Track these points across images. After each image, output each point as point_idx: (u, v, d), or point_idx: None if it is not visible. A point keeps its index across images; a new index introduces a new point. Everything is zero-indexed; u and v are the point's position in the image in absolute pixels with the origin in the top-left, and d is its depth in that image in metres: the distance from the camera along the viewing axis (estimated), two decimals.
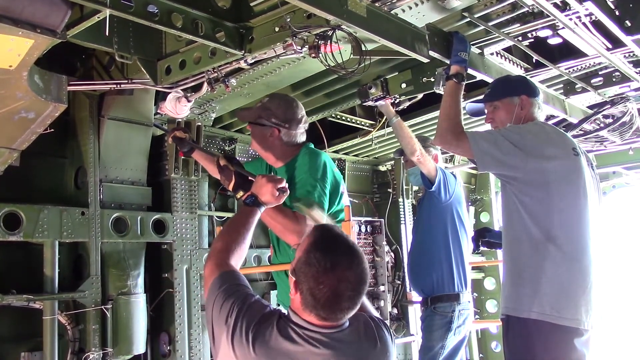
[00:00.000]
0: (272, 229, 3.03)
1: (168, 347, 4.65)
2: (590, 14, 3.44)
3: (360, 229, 6.26)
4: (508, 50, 4.35)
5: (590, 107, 5.47)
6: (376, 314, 2.29)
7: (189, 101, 3.92)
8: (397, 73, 4.38)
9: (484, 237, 4.38)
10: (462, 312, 4.37)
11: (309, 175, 3.01)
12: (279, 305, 3.62)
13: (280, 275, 3.45)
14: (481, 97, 3.46)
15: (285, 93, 3.75)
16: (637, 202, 8.77)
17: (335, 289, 1.91)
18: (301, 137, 3.30)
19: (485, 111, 3.34)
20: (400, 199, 6.90)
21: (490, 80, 4.07)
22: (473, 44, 3.81)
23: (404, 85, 4.36)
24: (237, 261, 2.29)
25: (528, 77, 3.96)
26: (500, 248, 4.16)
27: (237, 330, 1.99)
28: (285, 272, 3.31)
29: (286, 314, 2.03)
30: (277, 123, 3.22)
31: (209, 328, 2.14)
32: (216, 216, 5.31)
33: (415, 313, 6.52)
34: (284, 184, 2.54)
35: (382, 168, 7.21)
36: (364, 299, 2.18)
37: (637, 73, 4.52)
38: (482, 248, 4.49)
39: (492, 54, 4.12)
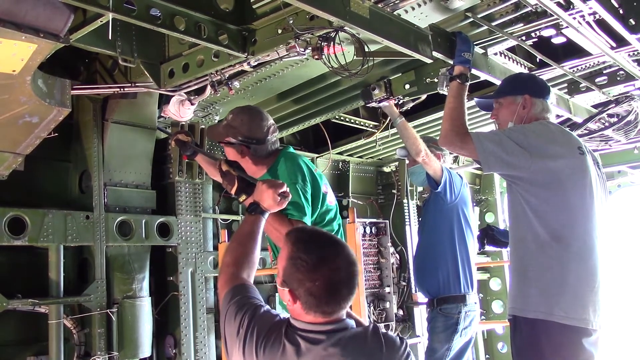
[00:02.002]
0: (269, 235, 3.01)
1: (174, 350, 4.66)
2: (594, 13, 3.43)
3: (364, 231, 6.25)
4: (512, 50, 4.34)
5: (594, 106, 5.45)
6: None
7: (192, 104, 3.92)
8: (400, 74, 4.37)
9: (489, 234, 4.36)
10: (468, 314, 4.34)
11: (290, 183, 2.95)
12: (283, 308, 3.61)
13: None
14: (491, 93, 3.46)
15: (249, 105, 3.70)
16: None
17: (331, 279, 1.94)
18: (273, 145, 3.25)
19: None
20: (405, 200, 6.90)
21: (494, 80, 4.07)
22: (476, 44, 3.79)
23: (407, 86, 4.34)
24: (248, 272, 2.29)
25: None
26: (506, 247, 4.15)
27: (248, 342, 2.00)
28: None
29: (291, 323, 2.02)
30: (244, 140, 3.17)
31: (222, 341, 2.16)
32: (220, 219, 5.32)
33: (421, 314, 6.50)
34: (285, 189, 2.53)
35: (386, 169, 7.20)
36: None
37: None
38: (487, 247, 4.48)
39: (495, 53, 4.10)
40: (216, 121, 4.82)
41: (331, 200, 3.24)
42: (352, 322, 2.05)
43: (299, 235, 2.07)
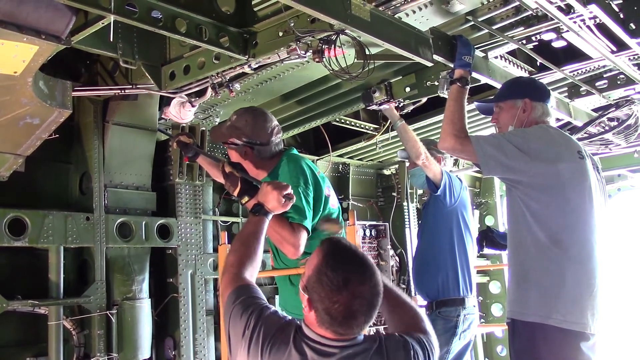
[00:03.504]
0: (269, 237, 3.01)
1: (173, 352, 4.65)
2: (595, 17, 3.43)
3: (364, 233, 6.26)
4: (512, 53, 4.35)
5: (595, 110, 5.46)
6: (430, 329, 2.18)
7: (193, 106, 3.92)
8: (401, 77, 4.38)
9: (489, 236, 4.37)
10: (467, 317, 4.35)
11: (292, 185, 2.93)
12: (282, 310, 3.60)
13: (282, 281, 3.43)
14: (491, 97, 3.47)
15: (254, 106, 3.72)
16: None
17: (351, 306, 1.89)
18: (277, 147, 3.25)
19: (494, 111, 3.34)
20: (405, 203, 6.90)
21: (494, 83, 4.08)
22: (477, 48, 3.80)
23: (408, 89, 4.35)
24: (251, 272, 2.28)
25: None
26: (504, 249, 4.15)
27: (254, 343, 1.99)
28: (288, 279, 3.30)
29: (301, 327, 2.00)
30: (247, 142, 3.17)
31: (226, 341, 2.15)
32: (221, 221, 5.31)
33: None
34: (290, 190, 2.53)
35: (386, 172, 7.21)
36: (424, 319, 2.19)
37: None
38: (486, 249, 4.48)
39: (496, 57, 4.11)
40: (217, 123, 4.83)
41: (334, 203, 3.23)
42: (361, 337, 2.00)
43: (332, 249, 2.00)
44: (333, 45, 3.08)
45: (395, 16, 3.25)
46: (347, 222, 3.39)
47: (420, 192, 6.93)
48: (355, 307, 1.89)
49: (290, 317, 2.10)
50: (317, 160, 6.25)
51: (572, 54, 4.31)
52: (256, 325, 2.02)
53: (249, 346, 2.00)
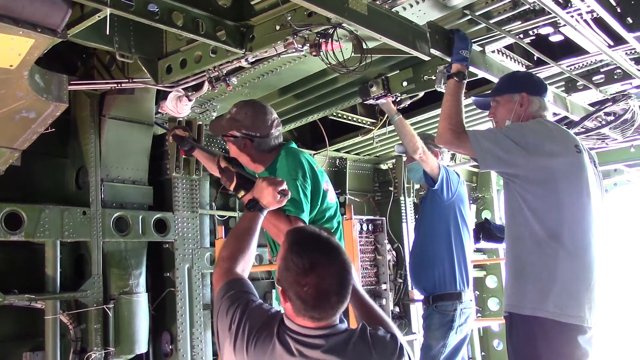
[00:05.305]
0: (267, 230, 3.02)
1: (170, 347, 4.66)
2: (592, 11, 3.43)
3: (361, 228, 6.26)
4: (509, 47, 4.34)
5: (591, 105, 5.45)
6: (396, 330, 2.16)
7: (189, 100, 3.92)
8: (398, 71, 4.37)
9: (486, 228, 4.37)
10: (464, 311, 4.35)
11: (290, 178, 2.94)
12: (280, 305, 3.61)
13: None
14: (488, 92, 3.47)
15: (254, 99, 3.70)
16: (638, 200, 8.76)
17: (320, 287, 1.90)
18: (276, 140, 3.24)
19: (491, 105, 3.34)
20: (402, 198, 6.90)
21: (491, 77, 4.07)
22: (474, 42, 3.80)
23: (405, 84, 4.34)
24: (244, 267, 2.29)
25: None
26: (501, 242, 4.16)
27: (239, 336, 2.00)
28: None
29: (284, 321, 2.01)
30: (247, 134, 3.16)
31: (215, 335, 2.16)
32: (217, 215, 5.32)
33: (417, 311, 6.51)
34: (285, 187, 2.53)
35: (383, 166, 7.22)
36: (387, 321, 2.18)
37: (638, 70, 4.50)
38: (483, 242, 4.48)
39: (493, 51, 4.10)
40: (213, 117, 4.82)
41: (332, 197, 3.23)
42: (343, 326, 2.01)
43: (296, 237, 2.05)
44: (330, 39, 3.08)
45: (393, 10, 3.24)
46: (344, 216, 3.40)
47: (417, 186, 6.94)
48: (325, 287, 1.91)
49: (275, 310, 2.11)
50: (314, 154, 6.25)
51: (569, 49, 4.31)
52: (241, 320, 2.03)
53: (235, 341, 2.01)
